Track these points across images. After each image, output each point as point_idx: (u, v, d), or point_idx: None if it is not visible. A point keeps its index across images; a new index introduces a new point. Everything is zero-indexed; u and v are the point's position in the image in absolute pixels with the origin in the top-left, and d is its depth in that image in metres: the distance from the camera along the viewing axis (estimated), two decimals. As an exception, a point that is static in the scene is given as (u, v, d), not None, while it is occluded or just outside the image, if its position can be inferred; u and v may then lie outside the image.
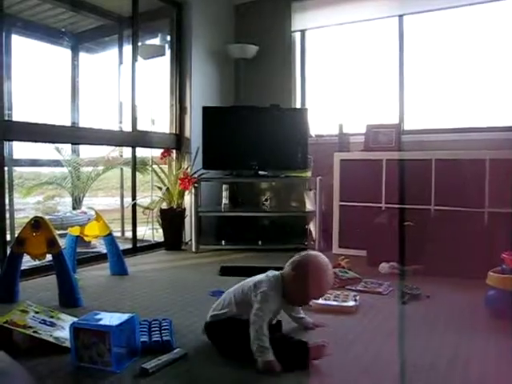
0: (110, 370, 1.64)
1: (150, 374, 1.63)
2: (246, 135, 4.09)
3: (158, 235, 4.24)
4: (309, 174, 4.13)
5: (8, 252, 2.66)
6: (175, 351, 1.79)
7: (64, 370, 1.68)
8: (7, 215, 3.13)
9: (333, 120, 4.25)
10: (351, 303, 2.37)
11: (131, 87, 3.89)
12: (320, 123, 4.39)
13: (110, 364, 1.65)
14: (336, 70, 4.42)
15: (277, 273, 1.87)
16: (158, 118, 4.23)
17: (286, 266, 1.89)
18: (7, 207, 3.13)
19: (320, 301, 2.38)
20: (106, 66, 4.84)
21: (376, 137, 3.93)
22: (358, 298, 2.45)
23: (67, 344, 1.79)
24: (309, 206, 4.18)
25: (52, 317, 2.03)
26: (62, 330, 1.94)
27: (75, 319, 1.84)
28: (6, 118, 3.03)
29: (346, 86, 4.35)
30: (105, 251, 3.23)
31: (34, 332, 1.85)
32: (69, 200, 5.19)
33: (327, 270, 1.84)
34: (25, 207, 5.09)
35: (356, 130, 4.12)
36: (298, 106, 4.52)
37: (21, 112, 3.66)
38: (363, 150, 3.92)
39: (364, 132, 3.98)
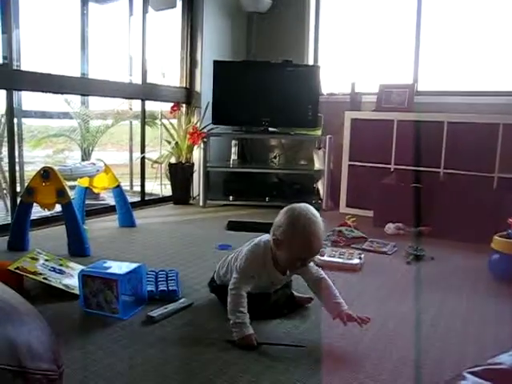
0: (117, 316, 1.69)
1: (155, 322, 1.68)
2: (257, 91, 4.03)
3: (166, 190, 4.27)
4: (319, 132, 4.09)
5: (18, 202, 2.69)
6: (181, 301, 1.84)
7: (73, 315, 1.74)
8: (17, 167, 3.15)
9: (345, 78, 4.17)
10: (356, 261, 2.40)
11: (141, 39, 3.82)
12: (332, 81, 4.30)
13: (117, 311, 1.70)
14: (351, 27, 4.29)
15: (267, 237, 1.67)
16: (168, 71, 4.17)
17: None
18: (16, 159, 3.14)
19: (325, 257, 2.41)
20: (116, 16, 4.73)
21: (388, 97, 3.86)
22: (362, 256, 2.47)
23: (76, 291, 1.83)
24: (317, 165, 4.16)
25: (61, 265, 2.08)
26: (70, 278, 1.98)
27: (84, 267, 1.89)
28: (15, 68, 3.01)
29: (361, 44, 4.24)
30: (113, 203, 3.26)
31: (44, 279, 1.90)
32: (78, 154, 5.20)
33: (310, 228, 1.53)
34: (34, 160, 5.10)
35: (368, 89, 4.04)
36: (311, 62, 4.42)
37: (29, 62, 3.61)
38: (375, 109, 3.87)
39: (377, 92, 3.92)
